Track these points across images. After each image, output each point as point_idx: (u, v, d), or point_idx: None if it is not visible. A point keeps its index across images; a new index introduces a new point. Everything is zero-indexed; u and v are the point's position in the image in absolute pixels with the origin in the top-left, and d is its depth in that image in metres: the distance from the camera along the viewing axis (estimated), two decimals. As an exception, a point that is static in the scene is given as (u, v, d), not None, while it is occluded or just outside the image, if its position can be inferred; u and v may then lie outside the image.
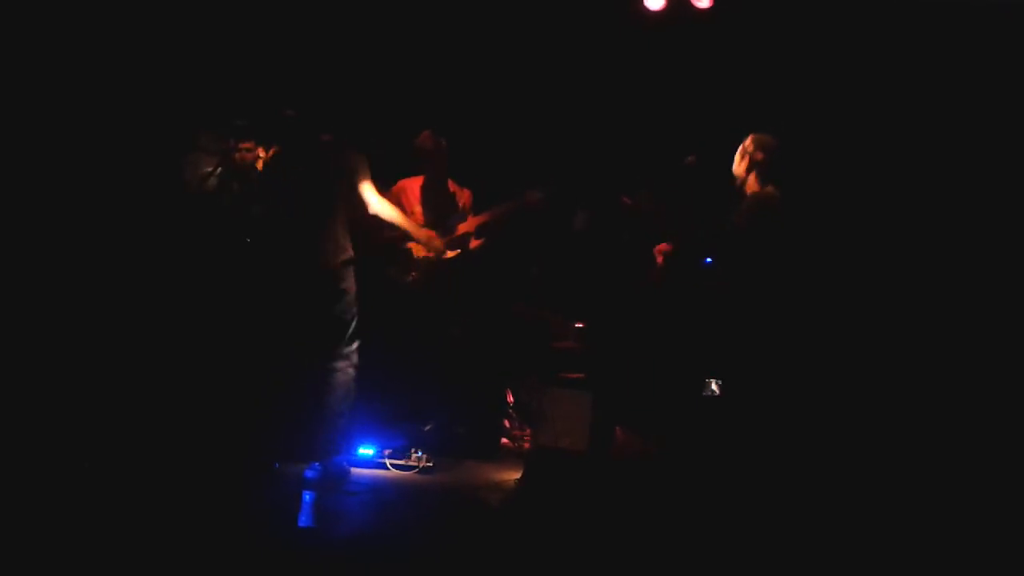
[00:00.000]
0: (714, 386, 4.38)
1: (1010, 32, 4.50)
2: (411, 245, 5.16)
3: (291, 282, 4.43)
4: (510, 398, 5.73)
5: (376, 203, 4.57)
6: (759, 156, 4.13)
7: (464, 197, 5.36)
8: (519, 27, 5.62)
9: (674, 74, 5.53)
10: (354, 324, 4.47)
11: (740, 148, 4.20)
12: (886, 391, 4.42)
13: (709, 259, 4.47)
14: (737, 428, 4.06)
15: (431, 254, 5.12)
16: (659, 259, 4.51)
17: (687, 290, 4.55)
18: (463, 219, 5.27)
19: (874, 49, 4.85)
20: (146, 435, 4.23)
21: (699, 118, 5.26)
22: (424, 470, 4.78)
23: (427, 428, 5.07)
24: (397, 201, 5.08)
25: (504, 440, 5.60)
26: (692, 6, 5.18)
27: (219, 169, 4.65)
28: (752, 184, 4.15)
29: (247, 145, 4.84)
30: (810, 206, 4.23)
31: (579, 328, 5.55)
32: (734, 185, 4.21)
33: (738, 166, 4.20)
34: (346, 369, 4.46)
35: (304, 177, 4.50)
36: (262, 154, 5.04)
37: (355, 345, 4.49)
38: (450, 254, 5.12)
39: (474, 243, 5.29)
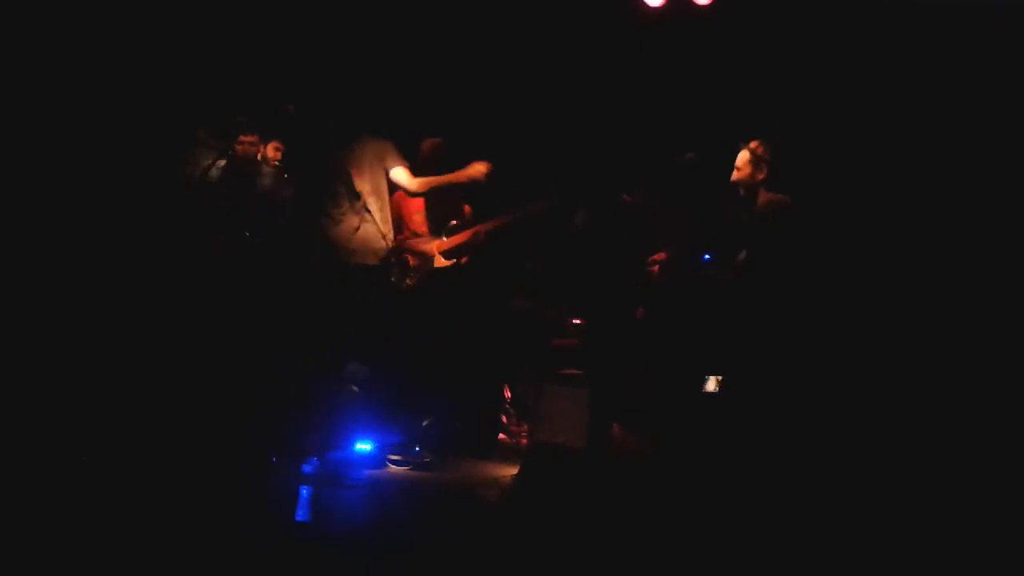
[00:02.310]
0: (712, 383, 4.38)
1: (1010, 32, 4.50)
2: (407, 256, 5.13)
3: (314, 280, 4.46)
4: (508, 394, 5.73)
5: (413, 184, 4.68)
6: (769, 160, 4.11)
7: (465, 209, 5.31)
8: (518, 25, 5.61)
9: (674, 72, 5.53)
10: (366, 331, 4.48)
11: (747, 153, 4.15)
12: (884, 390, 4.41)
13: (707, 256, 4.47)
14: (734, 425, 4.06)
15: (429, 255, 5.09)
16: (654, 268, 4.48)
17: (685, 289, 4.54)
18: (461, 229, 5.22)
19: (875, 46, 4.84)
20: (144, 430, 4.24)
21: (699, 116, 5.26)
22: (421, 466, 4.79)
23: (426, 423, 5.07)
24: (397, 207, 5.04)
25: (501, 436, 5.60)
26: (692, 3, 5.17)
27: (220, 162, 4.66)
28: (762, 189, 4.10)
29: (249, 139, 4.85)
30: (809, 207, 4.22)
31: (577, 324, 5.55)
32: (740, 189, 4.18)
33: (744, 171, 4.15)
34: (351, 386, 4.50)
35: (323, 172, 4.52)
36: (263, 149, 5.07)
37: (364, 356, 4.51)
38: (445, 263, 5.07)
39: (464, 259, 5.18)
